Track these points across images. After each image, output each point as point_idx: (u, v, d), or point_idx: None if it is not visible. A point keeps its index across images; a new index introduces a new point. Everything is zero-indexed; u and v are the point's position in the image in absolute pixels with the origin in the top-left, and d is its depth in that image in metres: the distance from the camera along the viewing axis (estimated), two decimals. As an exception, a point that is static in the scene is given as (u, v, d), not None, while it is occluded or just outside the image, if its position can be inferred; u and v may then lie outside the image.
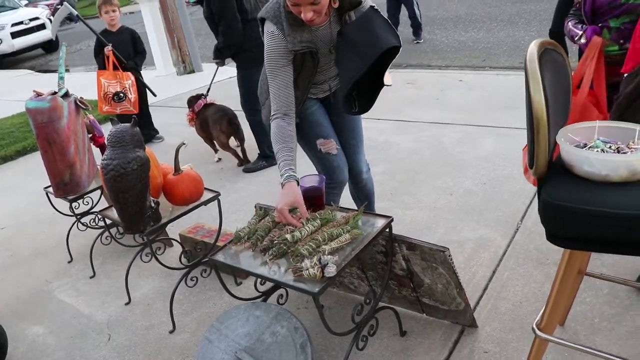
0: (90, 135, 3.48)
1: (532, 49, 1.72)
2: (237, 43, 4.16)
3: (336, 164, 2.66)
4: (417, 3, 8.20)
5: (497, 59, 7.07)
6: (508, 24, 8.83)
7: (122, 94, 5.11)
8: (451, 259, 2.12)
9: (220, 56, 4.32)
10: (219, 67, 4.61)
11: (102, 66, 5.21)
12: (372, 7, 2.28)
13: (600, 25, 2.53)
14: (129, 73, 5.18)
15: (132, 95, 5.19)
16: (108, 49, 5.05)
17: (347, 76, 2.27)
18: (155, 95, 5.53)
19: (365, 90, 2.42)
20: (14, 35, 14.12)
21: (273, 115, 2.32)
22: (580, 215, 1.63)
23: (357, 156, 2.84)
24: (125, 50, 5.23)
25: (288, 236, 2.07)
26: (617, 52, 2.52)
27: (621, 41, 2.50)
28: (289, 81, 2.31)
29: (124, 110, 5.15)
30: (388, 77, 2.31)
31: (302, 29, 2.27)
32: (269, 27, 2.29)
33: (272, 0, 2.31)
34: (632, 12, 2.42)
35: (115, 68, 5.13)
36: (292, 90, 2.31)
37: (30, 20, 14.55)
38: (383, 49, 2.17)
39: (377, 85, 2.40)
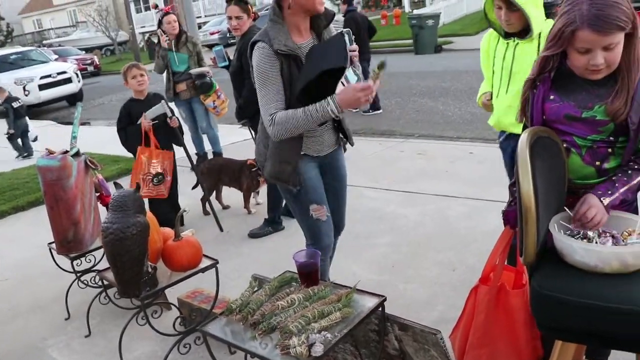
0: (97, 194, 3.54)
1: (524, 137, 1.75)
2: None
3: (324, 230, 2.76)
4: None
5: (509, 133, 7.11)
6: (522, 99, 8.92)
7: (161, 176, 4.49)
8: (443, 342, 2.09)
9: (242, 115, 4.34)
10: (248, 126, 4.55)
11: (132, 145, 4.50)
12: (340, 32, 2.50)
13: (565, 146, 1.94)
14: (171, 152, 4.57)
15: (169, 178, 4.57)
16: (148, 124, 4.34)
17: (298, 84, 2.47)
18: (220, 223, 4.85)
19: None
20: (42, 87, 14.63)
21: (274, 112, 2.47)
22: (568, 306, 1.61)
23: (344, 215, 3.06)
24: (159, 119, 4.47)
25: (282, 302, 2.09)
26: (595, 180, 1.93)
27: (597, 163, 1.91)
28: (281, 88, 2.50)
29: (159, 194, 4.54)
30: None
31: (286, 37, 2.50)
32: (257, 45, 2.52)
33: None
34: (601, 128, 1.87)
35: (147, 144, 4.44)
36: (284, 97, 2.51)
37: (58, 73, 15.07)
38: (325, 67, 2.40)
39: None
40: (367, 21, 8.84)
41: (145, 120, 4.35)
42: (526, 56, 2.65)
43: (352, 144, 2.89)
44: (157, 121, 4.41)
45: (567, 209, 1.90)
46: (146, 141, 4.44)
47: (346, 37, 2.44)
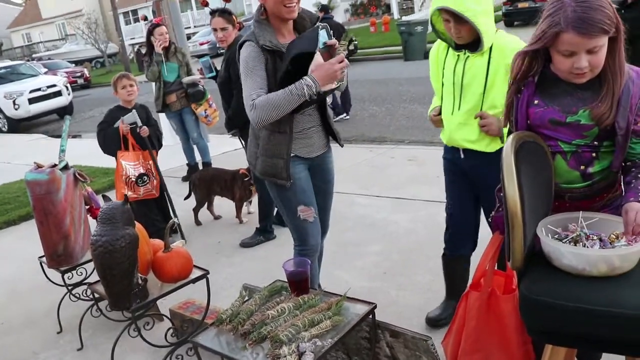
0: (87, 207, 3.53)
1: (509, 142, 1.76)
2: None
3: (311, 231, 2.82)
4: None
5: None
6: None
7: (145, 177, 4.51)
8: (434, 348, 2.09)
9: (232, 125, 4.36)
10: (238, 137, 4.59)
11: (109, 147, 4.52)
12: (316, 26, 2.60)
13: (552, 151, 1.95)
14: (153, 152, 4.62)
15: (155, 178, 4.59)
16: (126, 127, 4.37)
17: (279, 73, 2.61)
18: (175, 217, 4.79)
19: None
20: (31, 101, 14.59)
21: (255, 98, 2.55)
22: (557, 310, 1.62)
23: (328, 217, 3.13)
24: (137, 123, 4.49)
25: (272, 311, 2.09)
26: (580, 184, 1.94)
27: (582, 167, 1.91)
28: (264, 79, 2.59)
29: (147, 194, 4.55)
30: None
31: (271, 35, 2.62)
32: (245, 44, 2.64)
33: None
34: (585, 133, 1.88)
35: (126, 148, 4.47)
36: (267, 87, 2.59)
37: (48, 87, 15.05)
38: (296, 52, 2.52)
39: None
40: (343, 29, 9.09)
41: (123, 124, 4.39)
42: (477, 70, 2.55)
43: (341, 145, 2.97)
44: (134, 124, 4.45)
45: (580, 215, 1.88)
46: (125, 145, 4.48)
47: (322, 31, 2.52)
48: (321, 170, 2.93)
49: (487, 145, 2.61)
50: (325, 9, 9.39)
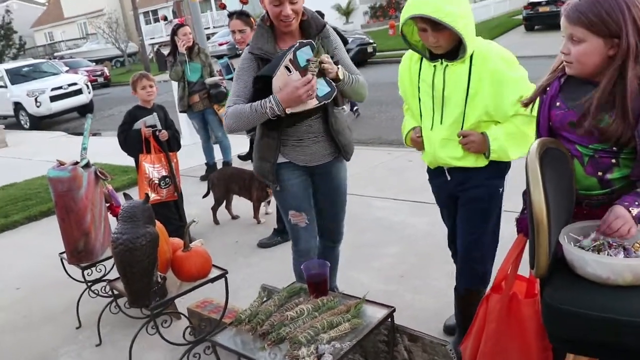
0: (107, 205, 3.57)
1: (534, 148, 1.75)
2: None
3: (302, 236, 2.87)
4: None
5: (518, 143, 7.08)
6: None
7: (168, 179, 4.50)
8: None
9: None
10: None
11: (130, 147, 4.51)
12: (293, 44, 2.54)
13: (571, 154, 1.91)
14: (174, 153, 4.60)
15: (177, 179, 4.59)
16: (148, 131, 4.35)
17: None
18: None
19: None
20: (53, 99, 14.85)
21: (230, 105, 2.64)
22: (580, 318, 1.60)
23: (340, 225, 3.10)
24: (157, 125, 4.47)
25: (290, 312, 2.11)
26: (598, 191, 1.91)
27: (599, 173, 1.87)
28: (248, 87, 2.63)
29: (169, 196, 4.53)
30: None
31: (266, 41, 2.66)
32: (245, 49, 2.76)
33: None
34: (603, 137, 1.83)
35: (148, 150, 4.43)
36: (247, 95, 2.63)
37: (69, 85, 15.29)
38: (258, 74, 2.60)
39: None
40: (339, 34, 9.18)
41: (145, 128, 4.36)
42: (458, 78, 2.33)
43: (347, 159, 2.92)
44: (155, 126, 4.43)
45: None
46: (147, 147, 4.44)
47: (306, 48, 2.49)
48: (326, 179, 2.91)
49: (474, 161, 2.46)
50: (319, 14, 9.52)
